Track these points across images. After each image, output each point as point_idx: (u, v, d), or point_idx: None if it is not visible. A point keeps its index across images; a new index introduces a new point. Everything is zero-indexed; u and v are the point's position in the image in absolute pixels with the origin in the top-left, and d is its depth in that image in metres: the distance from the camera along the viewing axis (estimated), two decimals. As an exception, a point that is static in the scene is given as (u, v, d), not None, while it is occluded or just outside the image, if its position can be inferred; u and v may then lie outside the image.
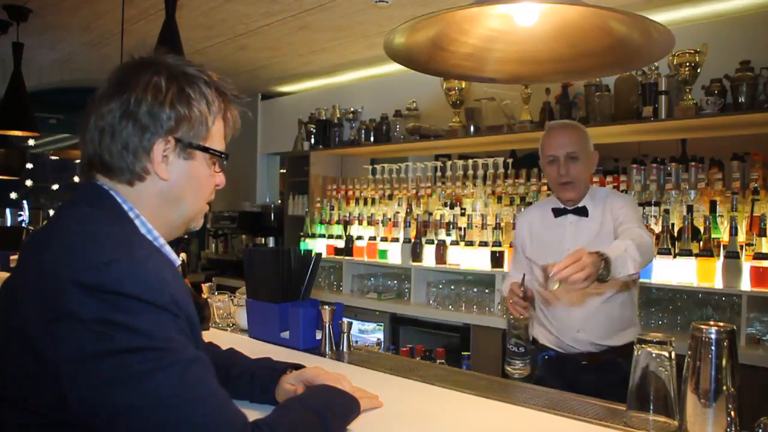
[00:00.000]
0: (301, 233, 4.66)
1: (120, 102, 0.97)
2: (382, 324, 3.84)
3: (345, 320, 1.98)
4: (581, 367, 2.07)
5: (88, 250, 0.88)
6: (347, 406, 1.21)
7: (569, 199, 2.14)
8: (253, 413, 1.06)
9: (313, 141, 4.91)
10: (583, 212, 2.14)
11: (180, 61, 1.04)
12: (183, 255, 3.91)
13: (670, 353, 1.24)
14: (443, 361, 2.43)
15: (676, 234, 2.92)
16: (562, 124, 2.26)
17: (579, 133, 2.18)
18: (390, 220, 4.07)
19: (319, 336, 1.94)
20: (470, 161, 3.95)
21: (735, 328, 1.21)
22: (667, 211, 2.97)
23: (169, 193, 1.02)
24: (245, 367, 1.38)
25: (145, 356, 0.83)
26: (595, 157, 2.21)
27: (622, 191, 3.20)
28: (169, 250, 1.02)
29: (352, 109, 4.77)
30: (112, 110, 0.97)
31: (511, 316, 1.91)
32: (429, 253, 3.76)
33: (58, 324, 0.83)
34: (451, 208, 3.83)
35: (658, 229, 2.95)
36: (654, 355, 1.25)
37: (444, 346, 2.63)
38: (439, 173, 4.16)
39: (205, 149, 1.04)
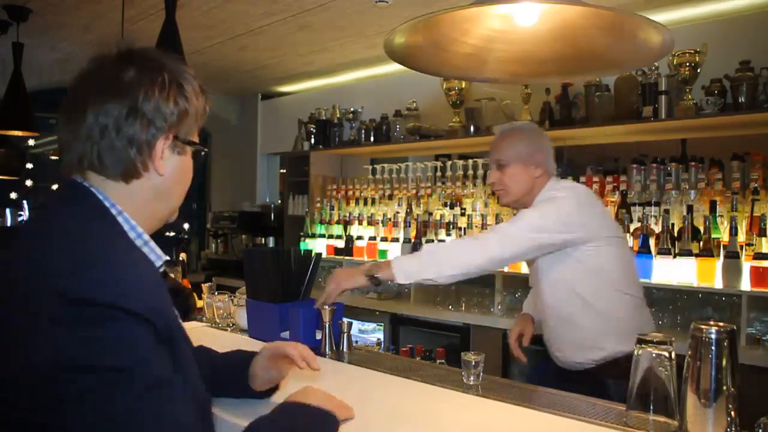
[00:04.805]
0: (301, 233, 4.66)
1: (129, 99, 0.95)
2: (382, 324, 3.84)
3: (345, 320, 1.98)
4: (571, 380, 1.97)
5: (59, 256, 0.85)
6: (324, 426, 1.14)
7: (503, 205, 2.09)
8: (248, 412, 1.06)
9: (313, 141, 4.91)
10: None
11: (168, 55, 1.03)
12: (183, 255, 3.92)
13: (670, 353, 1.24)
14: (443, 361, 2.43)
15: (676, 234, 2.92)
16: (502, 129, 2.09)
17: (510, 139, 2.01)
18: (390, 220, 4.07)
19: (319, 336, 1.94)
20: (470, 161, 3.94)
21: (735, 328, 1.21)
22: (667, 211, 2.97)
23: (162, 188, 1.01)
24: (217, 364, 1.37)
25: (105, 376, 0.79)
26: (542, 158, 2.00)
27: (622, 191, 3.20)
28: (153, 246, 1.01)
29: (352, 109, 4.77)
30: (119, 107, 0.95)
31: None
32: (429, 253, 3.76)
33: (24, 333, 0.80)
34: (451, 208, 3.83)
35: (658, 229, 2.95)
36: (654, 355, 1.25)
37: (444, 346, 2.63)
38: (439, 173, 4.16)
39: (193, 144, 1.04)
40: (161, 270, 1.02)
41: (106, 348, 0.80)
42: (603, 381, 1.89)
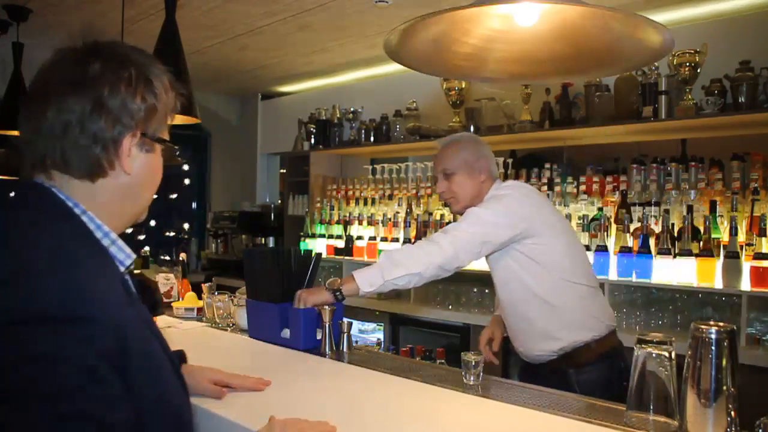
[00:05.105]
0: (301, 233, 4.66)
1: (92, 93, 0.91)
2: (382, 324, 3.84)
3: (345, 320, 1.98)
4: (536, 373, 2.03)
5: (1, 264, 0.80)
6: None
7: (455, 213, 2.16)
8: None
9: (313, 141, 4.91)
10: None
11: (135, 49, 0.99)
12: (183, 255, 3.92)
13: (670, 353, 1.24)
14: (443, 361, 2.43)
15: (676, 234, 2.92)
16: (443, 142, 2.22)
17: (453, 149, 2.13)
18: (390, 220, 4.07)
19: (319, 336, 1.94)
20: (470, 161, 3.94)
21: (735, 328, 1.21)
22: (667, 211, 2.97)
23: (130, 187, 0.98)
24: None
25: (18, 402, 0.73)
26: (484, 163, 2.10)
27: (622, 191, 3.20)
28: (122, 245, 0.96)
29: (352, 109, 4.77)
30: (83, 102, 0.91)
31: None
32: (429, 253, 3.75)
33: None
34: (451, 208, 3.83)
35: (658, 229, 2.95)
36: (654, 355, 1.25)
37: (444, 346, 2.63)
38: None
39: (165, 141, 1.01)
40: (130, 268, 0.98)
41: (23, 373, 0.74)
42: (564, 372, 1.96)
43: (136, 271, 2.76)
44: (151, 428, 0.85)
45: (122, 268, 0.96)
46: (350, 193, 4.60)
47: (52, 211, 0.91)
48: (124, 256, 0.96)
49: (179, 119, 2.80)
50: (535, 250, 1.95)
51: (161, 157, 1.02)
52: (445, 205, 3.79)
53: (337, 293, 1.91)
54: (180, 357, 1.41)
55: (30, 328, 0.75)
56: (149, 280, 2.62)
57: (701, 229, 2.84)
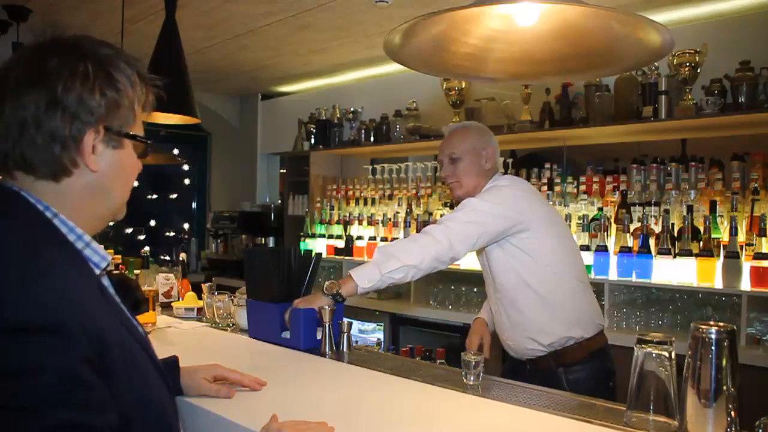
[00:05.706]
0: (301, 233, 4.66)
1: (46, 90, 0.88)
2: (382, 324, 3.84)
3: (345, 320, 1.98)
4: (525, 372, 2.04)
5: None
6: None
7: (455, 198, 2.18)
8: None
9: (313, 141, 4.91)
10: None
11: (100, 43, 0.96)
12: (183, 255, 3.92)
13: (670, 353, 1.24)
14: (443, 361, 2.43)
15: (676, 234, 2.92)
16: (452, 127, 2.27)
17: (462, 135, 2.17)
18: (390, 220, 4.07)
19: (319, 336, 1.94)
20: (470, 161, 3.94)
21: (735, 328, 1.20)
22: (667, 211, 2.96)
23: (98, 185, 0.94)
24: None
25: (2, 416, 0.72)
26: (491, 152, 2.13)
27: (622, 191, 3.20)
28: (96, 247, 0.93)
29: (352, 109, 4.78)
30: (37, 99, 0.88)
31: None
32: (429, 253, 3.75)
33: None
34: (451, 208, 3.83)
35: (658, 229, 2.95)
36: (654, 355, 1.25)
37: (444, 346, 2.63)
38: (438, 173, 4.15)
39: (133, 137, 0.98)
40: (107, 269, 0.96)
41: (7, 385, 0.72)
42: (553, 371, 1.97)
43: (114, 271, 2.76)
44: (135, 429, 0.84)
45: (98, 271, 0.93)
46: (350, 193, 4.60)
47: (23, 216, 0.89)
48: (99, 258, 0.93)
49: (179, 119, 2.80)
50: (530, 245, 1.97)
51: (133, 153, 0.99)
52: (446, 205, 3.85)
53: (337, 297, 1.91)
54: (173, 364, 1.39)
55: (9, 338, 0.73)
56: (129, 279, 2.62)
57: (701, 229, 2.84)
